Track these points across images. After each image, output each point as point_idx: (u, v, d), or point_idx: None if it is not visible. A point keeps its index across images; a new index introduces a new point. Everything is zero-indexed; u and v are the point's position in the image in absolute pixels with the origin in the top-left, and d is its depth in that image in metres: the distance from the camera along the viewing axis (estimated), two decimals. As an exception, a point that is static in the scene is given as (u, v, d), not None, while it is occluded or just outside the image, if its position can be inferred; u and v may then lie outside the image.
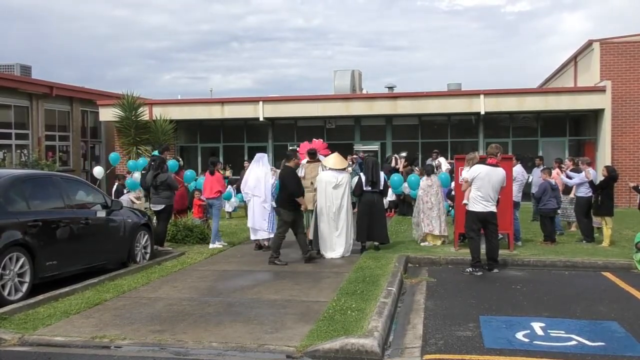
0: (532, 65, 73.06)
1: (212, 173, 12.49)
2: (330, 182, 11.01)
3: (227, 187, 14.94)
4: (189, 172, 15.03)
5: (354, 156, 19.80)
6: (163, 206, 11.87)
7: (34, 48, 69.72)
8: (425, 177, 12.45)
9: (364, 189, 11.37)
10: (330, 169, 11.19)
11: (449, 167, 15.73)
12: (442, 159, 16.92)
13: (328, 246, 11.00)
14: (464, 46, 79.08)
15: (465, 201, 10.03)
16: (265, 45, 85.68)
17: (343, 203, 11.07)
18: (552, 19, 79.75)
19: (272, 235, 11.74)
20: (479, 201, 9.78)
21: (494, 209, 9.87)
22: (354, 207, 11.82)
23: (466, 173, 10.21)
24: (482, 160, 10.23)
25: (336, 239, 10.99)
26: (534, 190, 13.22)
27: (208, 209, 13.18)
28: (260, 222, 11.62)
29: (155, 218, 12.06)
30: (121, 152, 20.51)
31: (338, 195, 11.00)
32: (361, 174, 11.82)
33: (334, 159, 11.37)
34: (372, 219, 11.29)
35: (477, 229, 9.85)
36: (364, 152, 19.48)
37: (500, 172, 9.99)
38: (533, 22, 78.97)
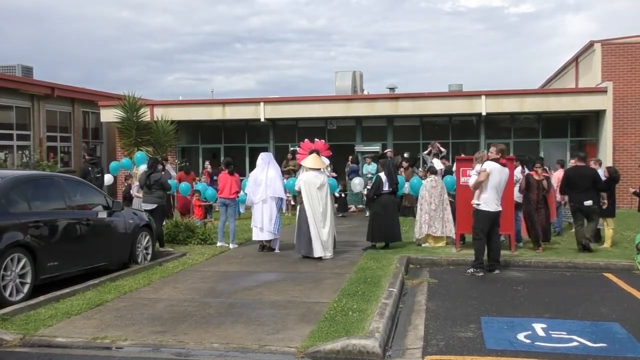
0: (535, 66, 72.98)
1: (231, 173, 12.44)
2: (315, 183, 10.95)
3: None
4: (183, 185, 15.03)
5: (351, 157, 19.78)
6: (155, 206, 11.74)
7: (36, 49, 69.86)
8: (429, 178, 12.35)
9: (385, 189, 11.59)
10: (310, 169, 11.11)
11: (442, 167, 15.56)
12: (435, 160, 16.60)
13: (318, 247, 10.81)
14: (467, 47, 79.11)
15: (476, 201, 9.78)
16: (268, 47, 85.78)
17: (328, 202, 11.07)
18: (556, 20, 79.77)
19: (277, 237, 11.77)
20: (493, 201, 9.72)
21: (501, 208, 9.92)
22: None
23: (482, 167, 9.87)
24: (495, 160, 9.94)
25: (326, 239, 10.90)
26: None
27: (225, 209, 12.62)
28: (268, 223, 11.60)
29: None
30: (123, 153, 20.49)
31: (323, 196, 10.96)
32: (380, 174, 11.89)
33: (312, 159, 11.23)
34: (393, 219, 11.64)
35: (487, 229, 9.79)
36: (383, 152, 19.21)
37: (507, 172, 10.08)
38: (536, 24, 78.96)
